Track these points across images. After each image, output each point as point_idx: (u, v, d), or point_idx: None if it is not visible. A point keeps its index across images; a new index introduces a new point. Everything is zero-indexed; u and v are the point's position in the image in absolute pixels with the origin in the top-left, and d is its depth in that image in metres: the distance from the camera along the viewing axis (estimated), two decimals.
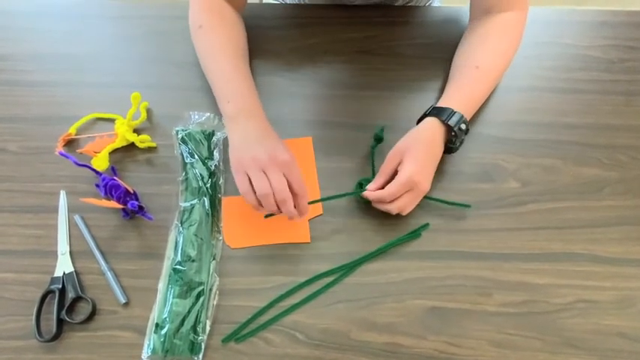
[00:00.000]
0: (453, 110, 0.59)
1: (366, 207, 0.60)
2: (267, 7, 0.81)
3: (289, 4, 0.84)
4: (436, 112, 0.60)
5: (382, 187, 0.57)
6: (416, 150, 0.57)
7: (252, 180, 0.54)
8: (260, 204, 0.54)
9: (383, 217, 0.59)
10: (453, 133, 0.59)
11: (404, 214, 0.58)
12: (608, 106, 0.69)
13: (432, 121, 0.59)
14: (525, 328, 0.54)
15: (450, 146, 0.61)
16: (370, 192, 0.57)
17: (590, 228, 0.60)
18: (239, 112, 0.59)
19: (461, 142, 0.61)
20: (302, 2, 0.84)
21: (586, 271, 0.57)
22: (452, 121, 0.58)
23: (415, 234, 0.59)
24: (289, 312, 0.54)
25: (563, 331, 0.54)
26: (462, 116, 0.59)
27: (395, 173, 0.57)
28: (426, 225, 0.59)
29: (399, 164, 0.57)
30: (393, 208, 0.57)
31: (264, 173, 0.53)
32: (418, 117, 0.62)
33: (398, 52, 0.73)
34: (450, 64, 0.68)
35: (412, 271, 0.57)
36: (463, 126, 0.59)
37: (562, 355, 0.52)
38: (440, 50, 0.73)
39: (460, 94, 0.62)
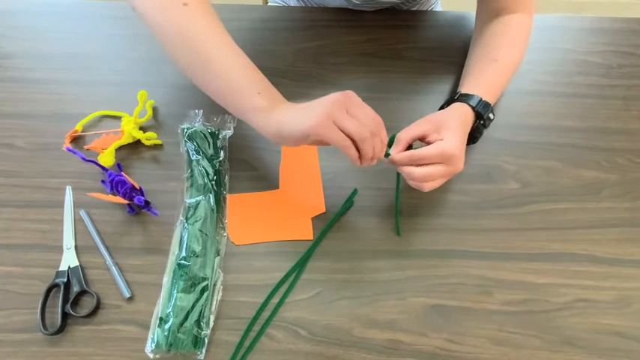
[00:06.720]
0: (481, 98, 0.58)
1: (368, 205, 0.61)
2: (272, 9, 0.82)
3: (294, 6, 0.85)
4: (465, 98, 0.59)
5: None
6: (455, 125, 0.55)
7: (344, 125, 0.48)
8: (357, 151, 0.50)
9: (384, 215, 0.60)
10: (481, 122, 0.58)
11: (425, 188, 0.53)
12: (607, 110, 0.70)
13: (462, 106, 0.58)
14: (525, 326, 0.54)
15: (476, 135, 0.59)
16: (400, 153, 0.53)
17: (589, 229, 0.60)
18: (272, 100, 0.55)
19: (481, 134, 0.60)
20: (307, 5, 0.85)
21: (585, 271, 0.58)
22: (482, 109, 0.58)
23: (348, 202, 0.61)
24: (273, 315, 0.54)
25: (562, 330, 0.54)
26: (490, 105, 0.58)
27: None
28: (355, 191, 0.61)
29: (432, 135, 0.54)
30: (418, 174, 0.52)
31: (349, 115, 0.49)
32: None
33: (401, 55, 0.75)
34: (452, 66, 0.69)
35: (414, 269, 0.57)
36: (491, 115, 0.58)
37: (561, 353, 0.53)
38: (443, 54, 0.74)
39: (482, 86, 0.61)
